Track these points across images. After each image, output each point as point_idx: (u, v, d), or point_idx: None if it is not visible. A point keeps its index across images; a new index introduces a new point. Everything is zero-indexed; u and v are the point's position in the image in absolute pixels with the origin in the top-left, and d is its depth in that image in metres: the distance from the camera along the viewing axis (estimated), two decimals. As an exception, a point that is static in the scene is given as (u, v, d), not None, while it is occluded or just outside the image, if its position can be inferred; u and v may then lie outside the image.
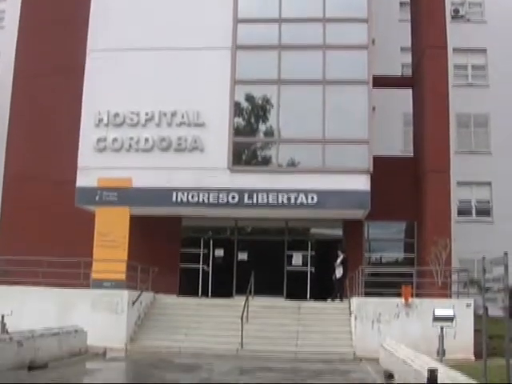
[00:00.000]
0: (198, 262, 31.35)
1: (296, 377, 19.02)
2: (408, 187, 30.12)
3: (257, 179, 28.07)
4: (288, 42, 28.72)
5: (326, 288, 29.04)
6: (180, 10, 29.29)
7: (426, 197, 28.90)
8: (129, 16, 29.58)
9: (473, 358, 22.00)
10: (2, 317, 20.84)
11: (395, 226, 32.08)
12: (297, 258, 31.12)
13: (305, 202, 27.65)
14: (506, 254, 14.22)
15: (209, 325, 25.12)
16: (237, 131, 28.93)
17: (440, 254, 26.20)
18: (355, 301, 24.78)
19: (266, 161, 29.13)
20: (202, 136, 28.46)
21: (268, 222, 31.43)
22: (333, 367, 20.85)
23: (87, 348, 21.83)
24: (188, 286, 30.78)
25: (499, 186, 34.08)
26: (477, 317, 22.44)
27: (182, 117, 28.65)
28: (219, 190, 28.00)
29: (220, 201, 28.05)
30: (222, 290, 30.11)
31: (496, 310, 17.81)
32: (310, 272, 30.74)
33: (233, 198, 27.94)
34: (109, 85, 28.78)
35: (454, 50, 32.88)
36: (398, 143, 34.28)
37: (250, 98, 29.25)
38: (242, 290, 27.47)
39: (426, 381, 11.47)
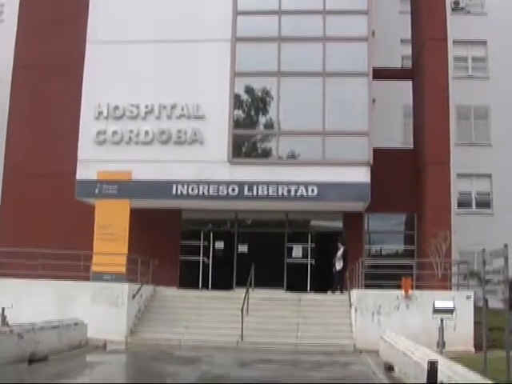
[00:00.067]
0: (199, 255, 31.38)
1: (296, 369, 19.02)
2: (408, 179, 30.11)
3: (257, 171, 28.05)
4: (288, 34, 28.68)
5: (326, 280, 29.06)
6: (180, 2, 29.29)
7: (426, 189, 28.90)
8: (128, 8, 29.55)
9: (473, 350, 22.03)
10: (3, 309, 20.85)
11: (395, 218, 32.08)
12: (297, 251, 31.14)
13: (305, 194, 27.65)
14: (505, 245, 14.22)
15: (209, 317, 25.15)
16: (237, 123, 28.91)
17: (440, 246, 26.22)
18: (355, 293, 24.79)
19: (266, 153, 29.11)
20: (201, 128, 28.44)
21: (268, 215, 31.45)
22: (333, 359, 20.86)
23: (87, 341, 21.84)
24: (188, 279, 30.80)
25: (499, 178, 34.07)
26: (477, 309, 22.45)
27: (182, 109, 28.63)
28: (219, 183, 27.99)
29: (220, 193, 28.05)
30: (223, 283, 30.15)
31: (496, 302, 17.79)
32: (310, 264, 30.78)
33: (233, 190, 27.94)
34: (108, 77, 28.75)
35: (454, 41, 32.81)
36: (398, 135, 34.25)
37: (249, 91, 29.22)
38: (242, 283, 27.49)
39: (426, 373, 11.47)
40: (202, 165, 28.04)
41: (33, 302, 23.52)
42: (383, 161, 27.68)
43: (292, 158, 28.60)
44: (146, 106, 28.75)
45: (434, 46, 29.30)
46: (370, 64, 28.13)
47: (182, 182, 28.08)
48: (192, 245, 31.56)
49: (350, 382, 17.15)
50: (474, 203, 35.04)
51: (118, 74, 28.75)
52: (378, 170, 27.42)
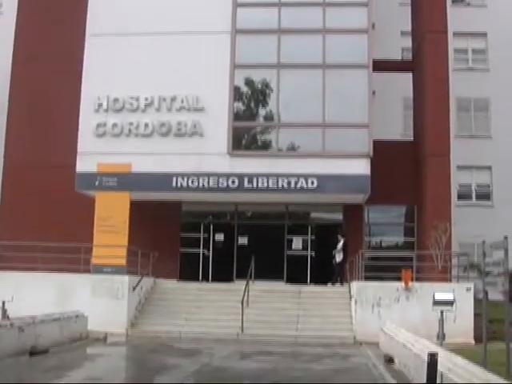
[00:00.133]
0: (199, 247, 31.41)
1: (296, 361, 19.05)
2: (408, 171, 30.12)
3: (257, 164, 28.05)
4: (288, 26, 28.62)
5: (326, 272, 29.09)
6: (179, -6, 29.26)
7: (426, 181, 28.90)
8: (128, 0, 29.49)
9: (473, 342, 22.07)
10: (3, 303, 20.87)
11: (395, 210, 32.09)
12: (297, 243, 31.17)
13: (305, 186, 27.64)
14: (505, 237, 14.23)
15: (209, 309, 25.19)
16: (236, 116, 28.88)
17: (440, 238, 26.24)
18: (355, 285, 24.82)
19: (266, 145, 29.10)
20: (201, 121, 28.41)
21: (268, 207, 31.46)
22: (333, 351, 20.90)
23: (88, 333, 21.90)
24: (188, 271, 30.83)
25: (499, 170, 34.09)
26: (477, 301, 22.48)
27: (182, 101, 28.60)
28: (219, 175, 27.98)
29: (220, 185, 28.04)
30: (223, 275, 30.18)
31: (496, 294, 17.84)
32: (310, 256, 30.81)
33: (233, 182, 27.93)
34: (108, 70, 28.69)
35: (455, 34, 32.69)
36: (398, 127, 34.24)
37: (249, 83, 29.19)
38: (242, 275, 27.51)
39: (426, 365, 11.49)
40: (202, 157, 28.03)
41: (33, 295, 23.52)
42: (383, 153, 27.67)
43: (292, 150, 28.59)
44: (146, 99, 28.71)
45: (435, 38, 29.27)
46: (370, 56, 28.08)
47: (182, 175, 28.07)
48: (192, 237, 31.58)
49: (350, 374, 17.18)
50: (473, 195, 35.07)
51: (118, 66, 28.70)
52: (378, 162, 27.41)
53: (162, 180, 28.08)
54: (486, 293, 15.58)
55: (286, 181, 27.69)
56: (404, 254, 28.18)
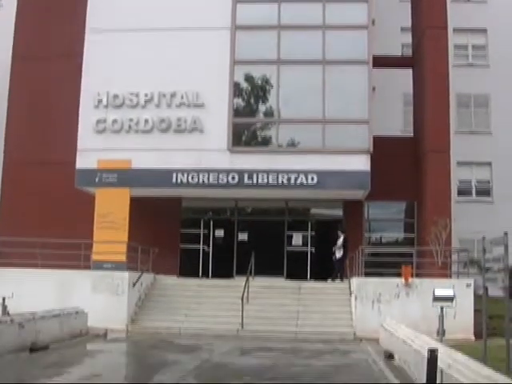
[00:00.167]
0: (199, 243, 31.41)
1: (296, 357, 19.07)
2: (408, 167, 30.12)
3: (257, 160, 28.05)
4: (287, 22, 28.60)
5: (326, 268, 29.10)
6: (179, -11, 29.23)
7: (426, 177, 28.90)
8: (128, -4, 29.54)
9: (473, 338, 22.08)
10: (3, 299, 20.87)
11: (395, 206, 32.09)
12: (297, 239, 31.17)
13: (305, 182, 27.65)
14: (505, 233, 14.23)
15: (209, 305, 25.20)
16: (236, 112, 28.88)
17: (440, 234, 26.26)
18: (355, 281, 24.83)
19: (266, 141, 29.11)
20: (201, 117, 28.41)
21: (268, 203, 31.47)
22: (333, 347, 20.91)
23: (88, 329, 21.92)
24: (188, 267, 30.85)
25: (499, 166, 34.06)
26: (477, 297, 22.50)
27: (182, 97, 28.60)
28: (219, 171, 27.99)
29: (220, 181, 28.05)
30: (223, 271, 30.19)
31: (496, 290, 17.82)
32: (310, 252, 30.82)
33: (233, 178, 27.93)
34: (108, 66, 28.66)
35: (455, 30, 32.73)
36: (398, 123, 34.20)
37: (249, 79, 29.18)
38: (242, 271, 27.51)
39: (426, 361, 11.49)
40: (202, 153, 28.03)
41: (33, 291, 23.46)
42: (383, 149, 27.67)
43: (292, 146, 28.60)
44: (146, 95, 28.71)
45: (435, 34, 29.25)
46: (369, 52, 28.08)
47: (182, 171, 28.08)
48: (192, 233, 31.59)
49: (350, 370, 17.19)
50: (473, 191, 35.05)
51: (118, 62, 28.67)
52: (378, 158, 27.41)
53: (162, 176, 28.08)
54: (486, 289, 15.59)
55: (285, 177, 27.70)
56: (404, 249, 28.16)
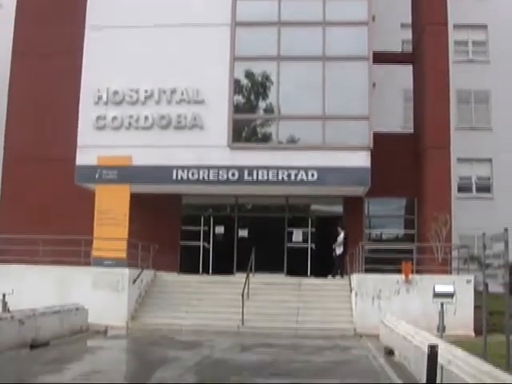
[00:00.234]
0: (199, 240, 31.40)
1: (296, 353, 19.07)
2: (408, 163, 30.10)
3: (257, 156, 28.06)
4: (288, 18, 28.59)
5: (326, 264, 29.10)
6: (179, -14, 29.20)
7: (426, 173, 28.90)
8: (127, -7, 29.51)
9: (473, 334, 22.09)
10: (4, 295, 20.88)
11: (395, 202, 32.06)
12: (297, 235, 31.17)
13: (305, 178, 27.66)
14: (506, 230, 14.21)
15: (209, 302, 25.20)
16: (236, 108, 28.88)
17: (440, 231, 26.27)
18: (355, 277, 24.83)
19: (266, 138, 29.11)
20: (201, 113, 28.42)
21: (268, 199, 31.46)
22: (333, 343, 20.92)
23: (88, 326, 21.91)
24: (189, 264, 30.84)
25: (500, 162, 34.04)
26: (477, 293, 22.50)
27: (182, 94, 28.62)
28: (219, 168, 28.00)
29: (220, 178, 28.07)
30: (223, 267, 30.21)
31: (496, 287, 17.90)
32: (311, 248, 30.81)
33: (233, 175, 27.94)
34: (108, 62, 28.67)
35: (455, 26, 32.68)
36: (398, 119, 34.16)
37: (249, 75, 29.17)
38: (242, 267, 27.49)
39: (426, 357, 11.50)
40: (202, 149, 28.03)
41: (34, 288, 23.51)
42: (383, 145, 27.67)
43: (292, 143, 28.59)
44: (146, 91, 28.72)
45: (435, 30, 29.22)
46: (370, 48, 28.07)
47: (182, 167, 28.09)
48: (192, 230, 31.58)
49: (351, 366, 17.21)
50: (474, 187, 35.03)
51: (118, 58, 28.67)
52: (378, 154, 27.42)
53: (162, 173, 28.10)
54: (486, 285, 15.59)
55: (286, 173, 27.71)
56: (404, 246, 28.14)
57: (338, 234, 28.71)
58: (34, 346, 17.42)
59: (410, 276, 23.94)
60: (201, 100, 28.52)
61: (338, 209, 31.50)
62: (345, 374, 15.77)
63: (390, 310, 22.67)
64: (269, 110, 29.14)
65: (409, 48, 33.65)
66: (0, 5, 36.49)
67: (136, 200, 28.17)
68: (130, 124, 28.64)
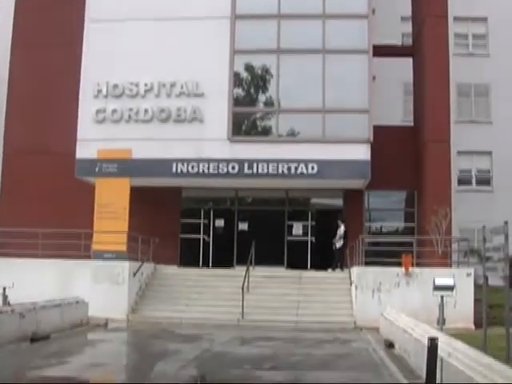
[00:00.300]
0: (199, 233, 31.39)
1: (296, 346, 19.10)
2: (408, 157, 30.09)
3: (257, 149, 28.05)
4: (287, 11, 28.55)
5: (326, 257, 29.10)
6: (179, -21, 29.15)
7: (426, 166, 28.89)
8: (127, -14, 29.46)
9: (473, 327, 22.12)
10: (4, 289, 20.90)
11: (395, 195, 32.06)
12: (297, 228, 31.17)
13: (305, 171, 27.65)
14: (506, 223, 14.22)
15: (210, 295, 25.22)
16: (236, 101, 28.87)
17: (440, 224, 26.26)
18: (355, 270, 24.84)
19: (266, 131, 29.11)
20: (201, 106, 28.40)
21: (268, 192, 31.44)
22: (333, 336, 20.95)
23: (89, 319, 21.92)
24: (189, 257, 30.85)
25: (499, 155, 33.97)
26: (477, 286, 22.53)
27: (182, 87, 28.59)
28: (219, 161, 28.00)
29: (220, 171, 28.06)
30: (223, 261, 30.21)
31: (496, 280, 17.89)
32: (311, 242, 30.80)
33: (233, 168, 27.93)
34: (108, 55, 28.60)
35: (455, 18, 32.64)
36: (398, 112, 34.08)
37: (249, 68, 29.14)
38: (242, 260, 27.50)
39: (426, 349, 11.51)
40: (202, 143, 28.03)
41: (34, 281, 23.51)
42: (383, 138, 27.68)
43: (292, 136, 28.58)
44: (146, 84, 28.69)
45: (434, 22, 29.18)
46: (370, 41, 28.04)
47: (182, 160, 28.08)
48: (192, 223, 31.56)
49: (351, 358, 17.23)
50: (474, 181, 34.98)
51: (117, 52, 28.60)
52: (378, 147, 27.42)
53: (162, 166, 28.10)
54: (486, 278, 15.60)
55: (286, 166, 27.70)
56: (404, 239, 28.17)
57: (337, 227, 28.72)
58: (34, 339, 17.43)
59: (410, 269, 23.95)
60: (200, 93, 28.50)
61: (338, 202, 31.49)
62: (345, 366, 15.79)
63: (390, 302, 22.66)
64: (269, 103, 29.13)
65: (409, 41, 33.61)
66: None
67: (136, 193, 28.17)
68: (129, 117, 28.63)
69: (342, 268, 27.92)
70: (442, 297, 18.80)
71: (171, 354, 16.71)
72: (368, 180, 27.92)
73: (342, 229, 28.59)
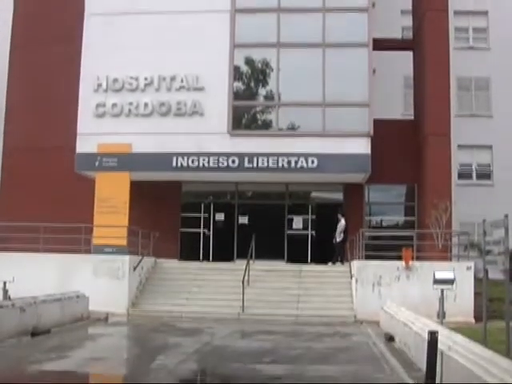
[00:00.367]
0: (199, 227, 31.37)
1: (296, 340, 19.11)
2: (409, 150, 30.05)
3: (257, 143, 28.03)
4: (287, 4, 28.50)
5: (326, 251, 29.10)
6: (178, -27, 29.10)
7: (426, 160, 28.87)
8: (127, -21, 29.41)
9: (473, 320, 22.13)
10: (4, 283, 20.92)
11: (396, 189, 32.05)
12: (297, 222, 31.17)
13: (305, 165, 27.64)
14: (506, 216, 14.19)
15: (210, 289, 25.24)
16: (236, 95, 28.85)
17: (440, 217, 26.27)
18: (356, 264, 24.85)
19: (266, 125, 29.09)
20: (201, 100, 28.37)
21: (268, 186, 31.44)
22: (333, 330, 20.97)
23: (89, 313, 21.95)
24: (189, 251, 30.86)
25: (500, 149, 33.97)
26: (477, 280, 22.54)
27: (182, 81, 28.55)
28: (219, 155, 27.97)
29: (220, 165, 28.04)
30: (223, 254, 30.23)
31: (496, 273, 17.85)
32: (311, 235, 30.80)
33: (233, 162, 27.91)
34: (107, 50, 28.57)
35: (455, 12, 32.60)
36: (398, 106, 34.08)
37: (249, 62, 29.12)
38: (242, 254, 27.51)
39: (426, 343, 11.52)
40: (202, 136, 28.01)
41: (34, 276, 23.53)
42: (384, 132, 27.66)
43: (292, 130, 28.56)
44: (146, 78, 28.66)
45: (435, 16, 29.13)
46: (370, 35, 27.99)
47: (182, 154, 28.07)
48: (192, 217, 31.54)
49: (351, 352, 17.24)
50: (474, 174, 34.98)
51: (117, 46, 28.54)
52: (378, 141, 27.41)
53: (162, 160, 28.08)
54: (486, 272, 15.59)
55: (286, 160, 27.68)
56: (404, 232, 28.15)
57: (338, 221, 28.73)
58: (35, 333, 17.46)
59: (411, 263, 23.96)
60: (201, 87, 28.46)
61: (338, 196, 31.49)
62: (345, 360, 15.79)
63: (390, 296, 22.67)
64: (269, 96, 29.11)
65: (409, 35, 33.56)
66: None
67: (136, 187, 28.20)
68: (129, 111, 28.60)
69: (342, 262, 27.94)
70: (442, 290, 18.80)
71: (171, 347, 16.74)
72: (368, 174, 27.91)
73: (342, 223, 28.60)
